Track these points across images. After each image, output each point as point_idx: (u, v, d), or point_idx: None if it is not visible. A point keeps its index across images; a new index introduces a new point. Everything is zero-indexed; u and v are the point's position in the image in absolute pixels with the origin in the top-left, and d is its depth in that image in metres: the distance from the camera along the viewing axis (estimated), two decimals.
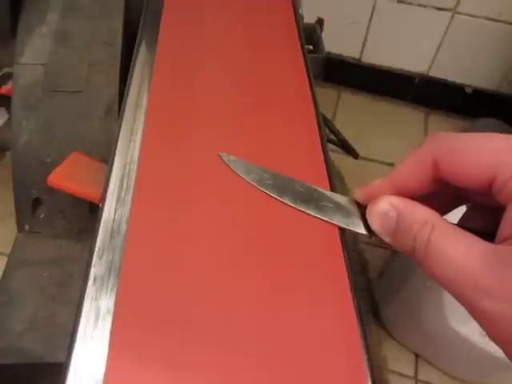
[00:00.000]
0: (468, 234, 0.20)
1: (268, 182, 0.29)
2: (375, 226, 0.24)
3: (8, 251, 0.96)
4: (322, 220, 0.27)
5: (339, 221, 0.27)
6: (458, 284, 0.19)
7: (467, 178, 0.21)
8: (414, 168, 0.24)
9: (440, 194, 0.25)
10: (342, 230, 0.28)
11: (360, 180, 1.04)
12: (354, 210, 0.27)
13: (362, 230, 0.26)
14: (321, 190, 0.29)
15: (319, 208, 0.28)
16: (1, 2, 0.51)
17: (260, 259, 0.26)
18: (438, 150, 0.23)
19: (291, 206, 0.28)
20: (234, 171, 0.30)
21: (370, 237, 0.26)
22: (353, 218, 0.27)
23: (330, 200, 0.28)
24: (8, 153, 1.10)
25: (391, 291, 0.87)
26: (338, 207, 0.27)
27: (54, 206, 0.48)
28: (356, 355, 0.23)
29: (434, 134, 0.24)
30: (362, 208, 0.27)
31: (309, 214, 0.28)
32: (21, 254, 0.47)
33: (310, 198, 0.28)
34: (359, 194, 0.27)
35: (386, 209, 0.23)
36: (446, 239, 0.20)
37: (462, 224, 0.26)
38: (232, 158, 0.31)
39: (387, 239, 0.24)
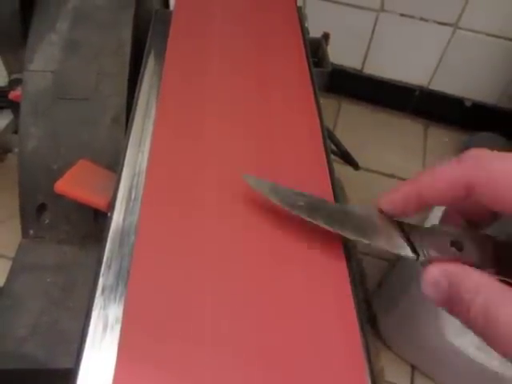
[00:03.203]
0: None
1: (300, 203, 0.27)
2: (428, 294, 0.22)
3: (8, 253, 0.96)
4: (364, 243, 0.25)
5: (382, 243, 0.25)
6: None
7: (505, 205, 0.20)
8: (444, 187, 0.22)
9: (478, 207, 0.24)
10: (346, 241, 0.28)
11: (359, 190, 1.05)
12: (395, 230, 0.25)
13: (408, 253, 0.24)
14: (355, 208, 0.26)
15: (358, 230, 0.25)
16: (12, 9, 0.51)
17: (266, 270, 0.27)
18: (474, 175, 0.21)
19: (326, 228, 0.26)
20: (261, 193, 0.28)
21: (417, 259, 0.24)
22: (396, 240, 0.25)
23: (367, 221, 0.26)
24: (10, 155, 1.10)
25: (389, 302, 0.87)
26: (378, 228, 0.25)
27: (59, 212, 0.49)
28: (358, 366, 0.24)
29: (471, 153, 0.22)
30: (404, 227, 0.25)
31: (348, 238, 0.26)
32: (25, 259, 0.47)
33: (346, 220, 0.26)
34: (384, 204, 0.25)
35: (438, 276, 0.21)
36: (506, 305, 0.18)
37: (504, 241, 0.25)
38: (255, 179, 0.28)
39: (443, 308, 0.22)
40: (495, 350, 0.19)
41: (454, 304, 0.21)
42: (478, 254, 0.23)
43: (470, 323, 0.20)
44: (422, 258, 0.23)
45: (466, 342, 0.75)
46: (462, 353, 0.75)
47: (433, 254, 0.23)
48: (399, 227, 0.25)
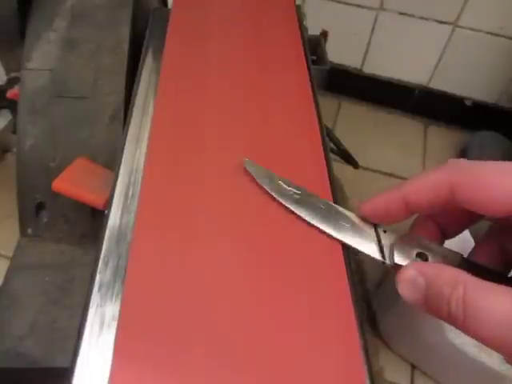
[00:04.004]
0: (502, 287, 0.19)
1: (288, 193, 0.29)
2: (405, 294, 0.23)
3: (6, 253, 0.96)
4: (338, 240, 0.27)
5: (353, 242, 0.27)
6: None
7: (486, 207, 0.21)
8: (428, 190, 0.24)
9: (452, 213, 0.25)
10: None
11: (358, 188, 1.05)
12: (370, 232, 0.27)
13: (376, 255, 0.26)
14: (340, 208, 0.28)
15: (335, 227, 0.27)
16: (9, 7, 0.51)
17: (263, 270, 0.27)
18: (456, 177, 0.22)
19: (308, 222, 0.28)
20: (254, 178, 0.30)
21: (383, 263, 0.26)
22: (367, 241, 0.27)
23: (347, 220, 0.28)
24: (8, 154, 1.10)
25: (389, 301, 0.87)
26: (355, 228, 0.27)
27: (57, 211, 0.49)
28: (356, 368, 0.24)
29: (453, 160, 0.24)
30: (378, 231, 0.27)
31: (325, 233, 0.27)
32: (23, 258, 0.47)
33: (328, 215, 0.28)
34: (366, 208, 0.26)
35: (414, 276, 0.22)
36: (484, 297, 0.19)
37: (470, 259, 0.26)
38: (254, 164, 0.30)
39: (419, 307, 0.22)
40: (477, 340, 0.19)
41: (433, 300, 0.21)
42: None
43: (450, 316, 0.20)
44: (387, 262, 0.25)
45: (467, 341, 0.74)
46: (462, 351, 0.75)
47: (398, 260, 0.25)
48: (374, 230, 0.27)
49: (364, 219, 0.27)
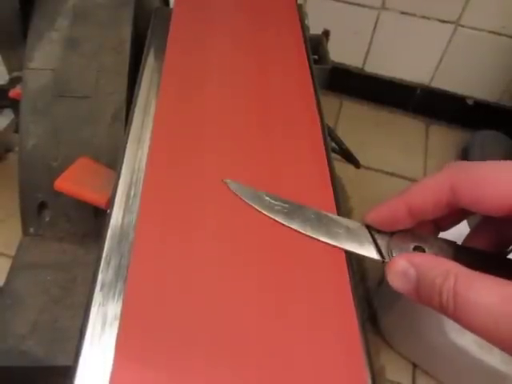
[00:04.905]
0: (493, 278, 0.19)
1: (276, 208, 0.29)
2: (396, 285, 0.23)
3: (9, 252, 0.96)
4: (333, 246, 0.27)
5: (350, 246, 0.27)
6: (501, 332, 0.18)
7: (485, 205, 0.22)
8: (430, 191, 0.24)
9: (449, 214, 0.25)
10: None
11: (360, 188, 1.05)
12: (364, 234, 0.27)
13: (374, 255, 0.26)
14: (331, 215, 0.29)
15: (330, 234, 0.27)
16: (11, 6, 0.51)
17: (266, 267, 0.27)
18: (456, 176, 0.23)
19: (300, 233, 0.28)
20: (240, 198, 0.30)
21: (383, 262, 0.26)
22: (364, 243, 0.27)
23: (340, 225, 0.28)
24: (10, 154, 1.10)
25: (390, 300, 0.87)
26: (349, 232, 0.27)
27: (59, 210, 0.49)
28: (358, 367, 0.24)
29: (453, 162, 0.24)
30: (372, 232, 0.27)
31: (319, 240, 0.28)
32: (25, 257, 0.47)
33: (319, 223, 0.28)
34: (371, 217, 0.26)
35: (405, 267, 0.23)
36: (474, 288, 0.19)
37: (465, 245, 0.26)
38: (238, 185, 0.31)
39: (411, 297, 0.23)
40: (468, 329, 0.20)
41: (425, 291, 0.22)
42: None
43: (441, 306, 0.21)
44: (387, 260, 0.26)
45: (468, 340, 0.74)
46: (463, 350, 0.75)
47: None
48: (368, 231, 0.27)
49: (356, 222, 0.28)
